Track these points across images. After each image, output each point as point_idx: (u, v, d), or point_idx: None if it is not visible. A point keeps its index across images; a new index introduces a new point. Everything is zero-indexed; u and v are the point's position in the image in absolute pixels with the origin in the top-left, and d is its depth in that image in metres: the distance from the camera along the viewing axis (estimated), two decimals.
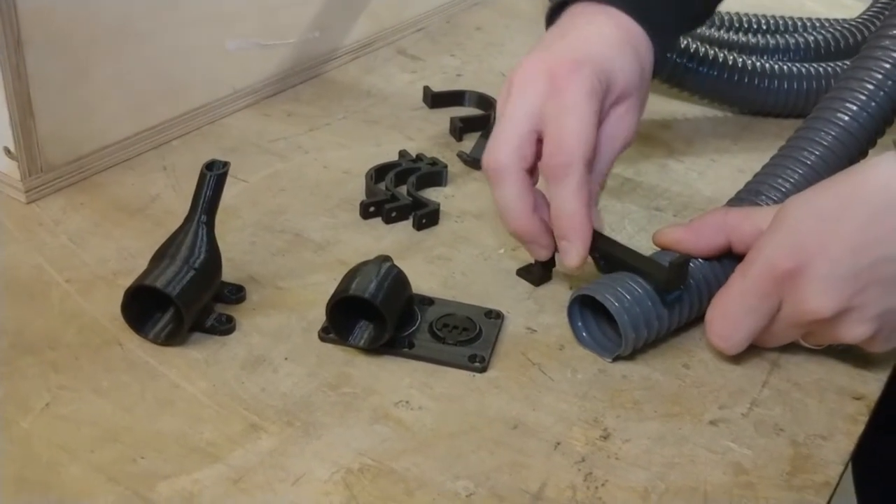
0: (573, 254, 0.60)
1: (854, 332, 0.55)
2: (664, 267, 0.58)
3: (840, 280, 0.53)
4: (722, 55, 0.86)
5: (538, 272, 0.65)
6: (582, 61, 0.60)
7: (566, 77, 0.59)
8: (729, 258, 0.61)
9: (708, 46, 0.86)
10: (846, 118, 0.65)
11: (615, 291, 0.57)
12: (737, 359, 0.60)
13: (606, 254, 0.61)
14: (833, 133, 0.66)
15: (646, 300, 0.58)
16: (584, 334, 0.60)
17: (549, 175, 0.59)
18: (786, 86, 0.86)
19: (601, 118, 0.61)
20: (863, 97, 0.65)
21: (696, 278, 0.60)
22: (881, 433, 0.83)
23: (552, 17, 0.68)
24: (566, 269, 0.61)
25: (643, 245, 0.66)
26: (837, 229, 0.54)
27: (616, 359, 0.59)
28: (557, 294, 0.64)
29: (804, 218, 0.55)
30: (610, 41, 0.62)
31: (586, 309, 0.60)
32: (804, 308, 0.55)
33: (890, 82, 0.65)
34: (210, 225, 0.59)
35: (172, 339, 0.57)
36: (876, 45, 0.66)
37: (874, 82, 0.65)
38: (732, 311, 0.57)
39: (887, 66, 0.65)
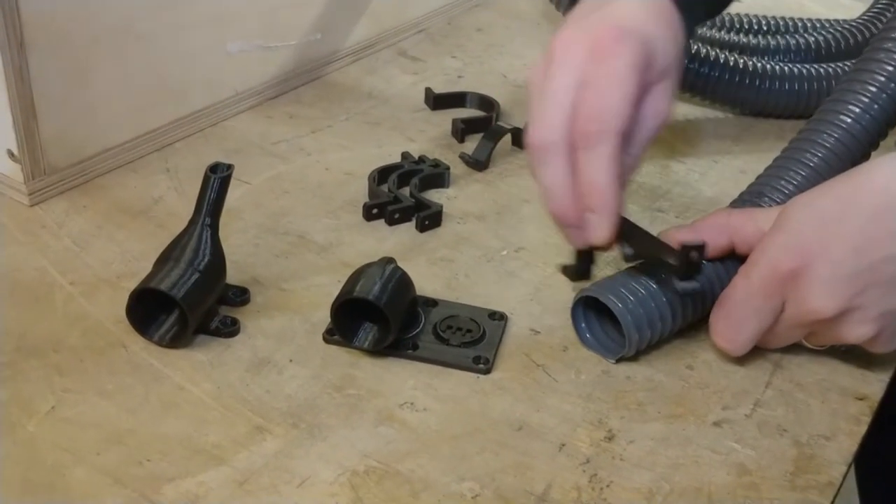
0: (600, 228, 0.57)
1: (856, 332, 0.55)
2: (676, 252, 0.56)
3: (842, 281, 0.54)
4: (723, 56, 0.86)
5: (577, 267, 0.62)
6: (627, 31, 0.57)
7: (610, 46, 0.56)
8: (732, 259, 0.61)
9: (709, 47, 0.86)
10: (849, 120, 0.66)
11: (618, 292, 0.58)
12: (740, 360, 0.60)
13: (629, 237, 0.58)
14: (836, 135, 0.66)
15: (649, 301, 0.58)
16: (587, 335, 0.60)
17: (582, 142, 0.56)
18: (787, 87, 0.87)
19: (640, 95, 0.58)
20: (865, 99, 0.66)
21: (699, 280, 0.60)
22: (884, 433, 0.83)
23: None
24: (593, 243, 0.58)
25: None
26: (839, 230, 0.54)
27: (619, 360, 0.59)
28: (561, 295, 0.64)
29: (806, 219, 0.55)
30: (651, 16, 0.59)
31: (590, 310, 0.60)
32: (807, 308, 0.55)
33: (892, 85, 0.65)
34: (214, 227, 0.59)
35: (177, 341, 0.57)
36: (879, 48, 0.66)
37: (877, 85, 0.65)
38: (736, 313, 0.57)
39: (890, 68, 0.65)
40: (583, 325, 0.60)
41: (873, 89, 0.66)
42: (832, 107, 0.67)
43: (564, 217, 0.58)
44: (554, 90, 0.57)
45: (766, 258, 0.56)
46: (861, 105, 0.66)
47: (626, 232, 0.58)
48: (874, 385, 0.59)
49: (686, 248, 0.56)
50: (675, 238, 0.61)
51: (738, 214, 0.60)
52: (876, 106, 0.65)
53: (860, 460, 0.94)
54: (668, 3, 0.61)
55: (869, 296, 0.54)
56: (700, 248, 0.57)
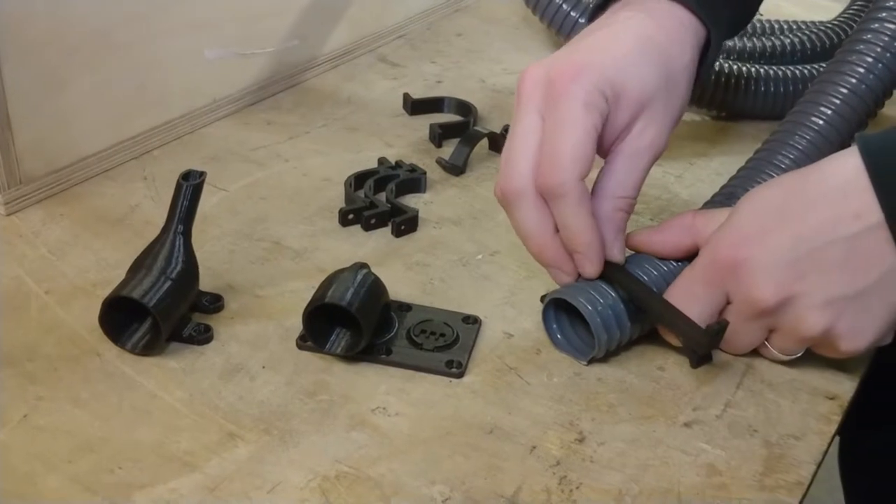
0: (588, 265, 0.58)
1: (807, 321, 0.55)
2: (701, 329, 0.56)
3: (780, 267, 0.54)
4: None
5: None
6: (581, 68, 0.56)
7: (563, 86, 0.56)
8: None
9: None
10: (821, 122, 0.66)
11: (588, 294, 0.58)
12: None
13: (635, 297, 0.59)
14: (807, 137, 0.66)
15: (619, 303, 0.58)
16: (558, 336, 0.61)
17: (546, 194, 0.57)
18: (763, 88, 0.87)
19: (621, 132, 0.58)
20: (837, 101, 0.66)
21: (669, 280, 0.60)
22: (864, 428, 0.84)
23: (594, 15, 0.64)
24: (585, 277, 0.59)
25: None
26: (779, 219, 0.55)
27: (591, 361, 0.59)
28: (535, 299, 0.65)
29: (750, 210, 0.56)
30: (624, 44, 0.58)
31: (561, 312, 0.61)
32: (748, 296, 0.55)
33: (863, 87, 0.66)
34: (187, 235, 0.59)
35: (150, 349, 0.58)
36: (850, 50, 0.67)
37: (847, 87, 0.66)
38: (678, 300, 0.58)
39: (861, 70, 0.66)
40: (554, 326, 0.61)
41: (844, 91, 0.66)
42: (804, 108, 0.68)
43: (543, 258, 0.59)
44: (518, 135, 0.58)
45: (708, 248, 0.57)
46: (832, 107, 0.66)
47: (636, 294, 0.58)
48: (845, 384, 0.59)
49: (709, 328, 0.56)
50: (640, 238, 0.61)
51: (703, 215, 0.61)
52: (847, 108, 0.66)
53: (843, 455, 0.95)
54: (678, 21, 0.60)
55: (810, 282, 0.54)
56: (722, 323, 0.57)
